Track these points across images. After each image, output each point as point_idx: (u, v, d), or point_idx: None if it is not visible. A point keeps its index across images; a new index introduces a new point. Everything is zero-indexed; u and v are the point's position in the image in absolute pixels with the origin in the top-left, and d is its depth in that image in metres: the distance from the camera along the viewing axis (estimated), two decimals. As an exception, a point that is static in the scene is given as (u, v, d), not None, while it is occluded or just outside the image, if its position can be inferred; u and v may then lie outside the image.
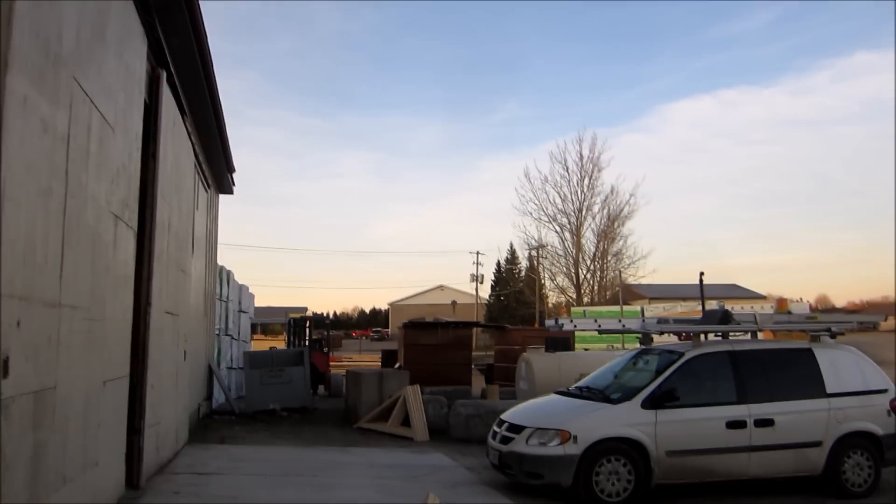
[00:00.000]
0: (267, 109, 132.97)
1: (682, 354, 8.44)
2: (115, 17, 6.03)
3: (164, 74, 8.30)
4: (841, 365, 8.75)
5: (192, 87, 10.20)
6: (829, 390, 8.48)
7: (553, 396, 9.23)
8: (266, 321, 56.61)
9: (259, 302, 31.40)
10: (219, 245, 16.46)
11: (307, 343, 22.21)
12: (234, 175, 15.75)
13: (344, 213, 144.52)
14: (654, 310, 38.34)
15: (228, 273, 17.61)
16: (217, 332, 16.05)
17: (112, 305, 6.12)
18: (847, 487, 8.27)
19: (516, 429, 8.25)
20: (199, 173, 12.81)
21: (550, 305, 55.51)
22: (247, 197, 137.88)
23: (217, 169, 14.65)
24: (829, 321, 9.43)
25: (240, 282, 20.50)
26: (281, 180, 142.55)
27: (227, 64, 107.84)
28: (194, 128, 11.62)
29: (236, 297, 19.44)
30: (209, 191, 14.67)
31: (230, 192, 16.59)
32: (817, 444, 8.28)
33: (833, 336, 9.27)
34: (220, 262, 16.49)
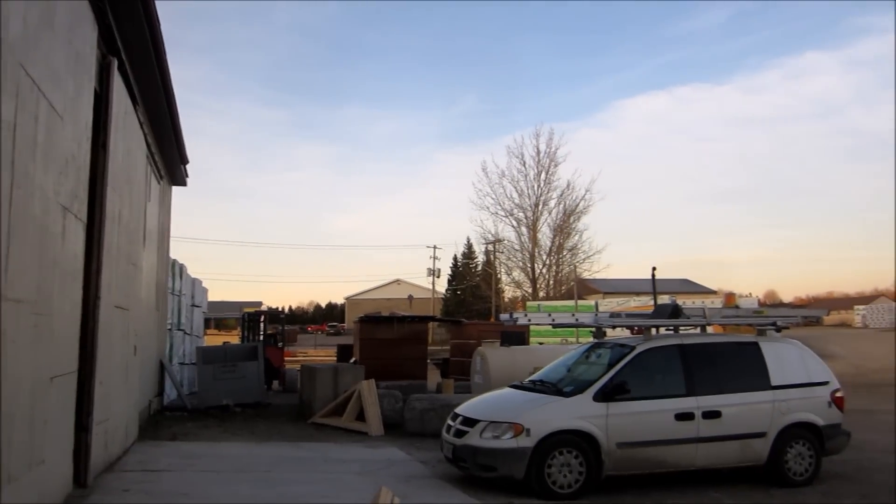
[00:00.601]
0: (223, 100, 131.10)
1: (633, 348, 8.60)
2: (64, 3, 5.88)
3: (116, 62, 8.12)
4: (785, 358, 9.02)
5: (144, 76, 9.99)
6: (773, 383, 8.73)
7: (507, 390, 9.32)
8: (220, 316, 55.93)
9: (213, 296, 30.93)
10: (172, 238, 16.20)
11: (261, 338, 22.00)
12: (188, 167, 15.48)
13: (300, 207, 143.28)
14: (609, 304, 38.95)
15: (181, 267, 17.33)
16: (169, 327, 15.79)
17: (60, 300, 5.99)
18: (789, 476, 8.54)
19: (470, 422, 8.31)
20: (151, 164, 12.57)
21: (506, 300, 55.90)
22: (201, 189, 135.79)
23: (170, 160, 14.39)
24: (775, 316, 9.72)
25: (193, 276, 20.19)
26: (236, 172, 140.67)
27: (182, 52, 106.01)
28: (146, 118, 11.40)
29: (189, 291, 19.14)
30: (162, 182, 14.41)
31: (184, 183, 16.31)
32: (762, 434, 8.52)
33: (778, 330, 9.56)
34: (172, 255, 16.21)
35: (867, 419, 13.94)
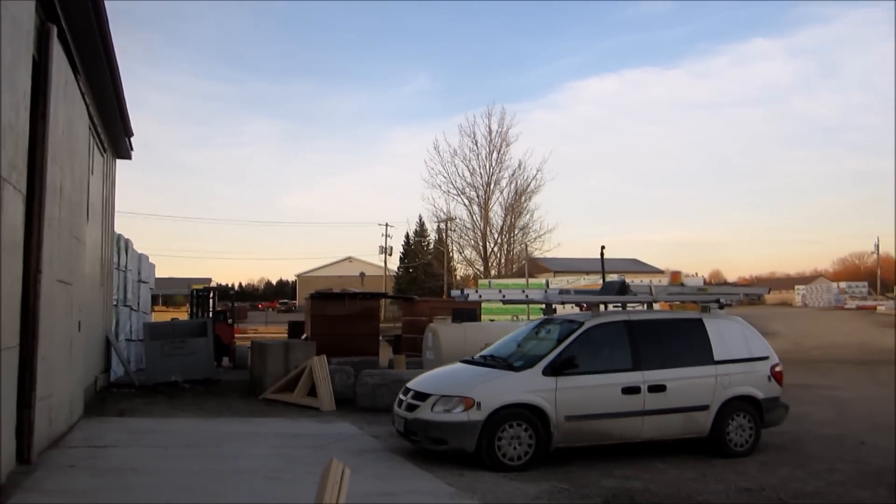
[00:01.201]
0: (169, 73, 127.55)
1: (581, 324, 8.75)
2: (-1, -34, 5.64)
3: (55, 29, 7.84)
4: (728, 334, 9.28)
5: (85, 45, 9.67)
6: (716, 357, 8.99)
7: (458, 365, 9.40)
8: (168, 292, 54.97)
9: (161, 272, 30.34)
10: (117, 213, 15.83)
11: (211, 315, 21.70)
12: (133, 140, 15.10)
13: (249, 183, 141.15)
14: (559, 283, 39.46)
15: (127, 242, 16.95)
16: (115, 303, 15.47)
17: (-1, 272, 5.80)
18: (731, 447, 8.83)
19: (421, 396, 8.37)
20: (94, 136, 12.22)
21: (458, 278, 56.14)
22: (147, 163, 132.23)
23: (114, 132, 14.00)
24: (719, 293, 9.98)
25: (139, 251, 19.77)
26: (183, 147, 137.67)
27: (126, 23, 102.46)
28: (89, 88, 11.05)
29: (135, 266, 18.75)
30: (105, 155, 14.02)
31: (128, 157, 15.92)
32: (705, 407, 8.78)
33: (721, 307, 9.82)
34: (118, 230, 15.84)
35: (805, 393, 14.49)
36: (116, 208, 15.68)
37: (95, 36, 9.44)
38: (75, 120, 9.52)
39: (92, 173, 11.98)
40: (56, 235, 8.06)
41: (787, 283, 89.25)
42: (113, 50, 10.28)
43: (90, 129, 11.52)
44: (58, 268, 8.22)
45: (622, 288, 9.62)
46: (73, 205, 9.34)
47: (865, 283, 73.50)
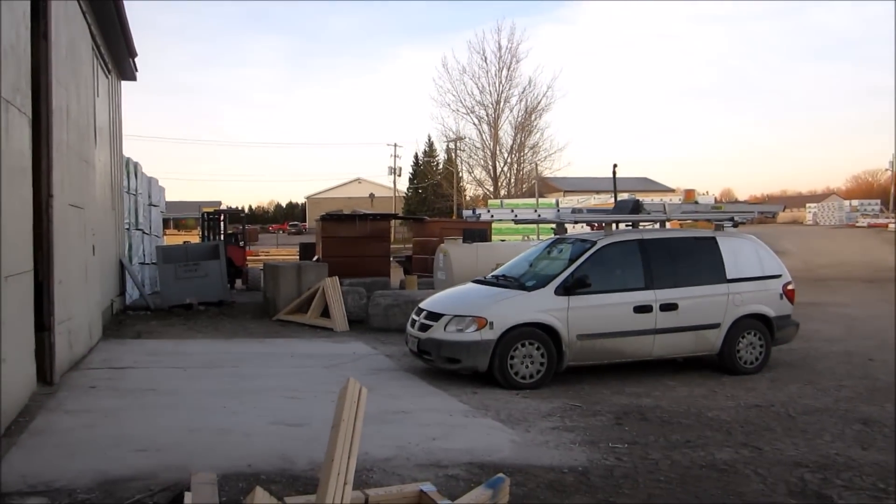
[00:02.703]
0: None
1: (594, 243, 8.70)
2: None
3: (52, -55, 7.56)
4: (741, 252, 9.23)
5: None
6: (728, 276, 8.96)
7: (470, 285, 9.43)
8: (178, 216, 55.13)
9: (171, 196, 30.36)
10: (124, 136, 15.67)
11: (222, 237, 21.78)
12: (137, 60, 14.79)
13: (257, 104, 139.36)
14: (570, 202, 39.28)
15: (136, 165, 16.85)
16: (127, 227, 15.52)
17: (8, 198, 5.77)
18: (741, 365, 8.90)
19: (434, 316, 8.44)
20: (97, 57, 11.98)
21: (468, 198, 55.97)
22: (152, 85, 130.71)
23: (118, 53, 13.71)
24: (733, 211, 9.87)
25: (149, 175, 19.69)
26: (188, 67, 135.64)
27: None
28: (90, 7, 10.75)
29: (146, 190, 18.72)
30: (110, 77, 13.78)
31: (133, 78, 15.62)
32: (716, 325, 8.82)
33: (735, 225, 9.75)
34: (126, 153, 15.73)
35: (815, 311, 14.55)
36: (123, 132, 15.54)
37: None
38: (78, 40, 9.31)
39: (98, 95, 11.80)
40: (65, 159, 8.00)
41: (799, 201, 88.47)
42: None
43: (93, 49, 11.28)
44: (69, 192, 8.19)
45: (636, 207, 9.52)
46: (80, 128, 9.24)
47: (878, 201, 72.84)
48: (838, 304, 16.75)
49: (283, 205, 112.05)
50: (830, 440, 6.08)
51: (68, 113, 8.28)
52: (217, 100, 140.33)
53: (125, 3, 11.58)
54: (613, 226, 9.47)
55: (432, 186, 65.33)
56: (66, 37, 8.33)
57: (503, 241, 24.65)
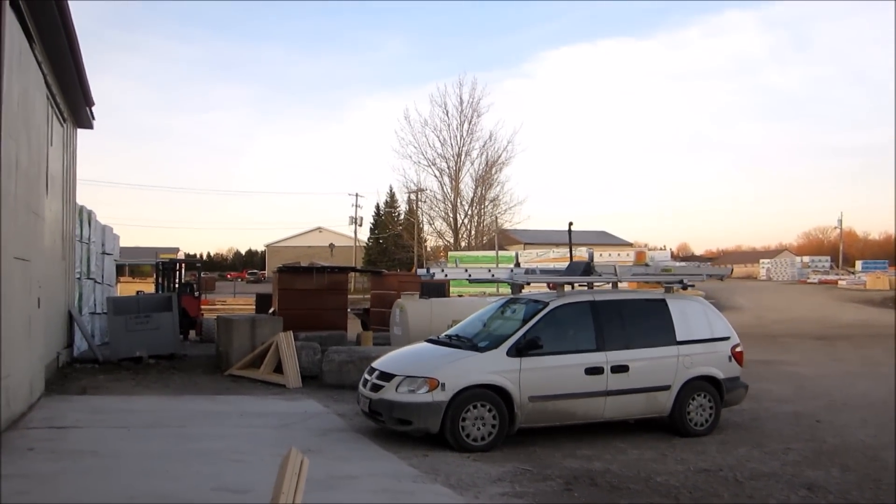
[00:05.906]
0: (134, 34, 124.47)
1: (546, 304, 8.78)
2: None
3: (9, -1, 7.56)
4: (690, 314, 9.39)
5: (41, 10, 9.36)
6: (679, 338, 9.09)
7: (423, 345, 9.40)
8: (135, 262, 54.15)
9: (128, 242, 29.93)
10: (81, 183, 15.48)
11: (177, 286, 21.44)
12: (94, 108, 14.70)
13: (218, 150, 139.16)
14: (529, 255, 39.62)
15: (90, 213, 16.60)
16: (78, 276, 15.20)
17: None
18: (691, 427, 8.98)
19: (386, 377, 8.37)
20: (52, 106, 11.89)
21: (429, 249, 56.11)
22: (115, 130, 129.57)
23: (74, 101, 13.62)
24: (682, 274, 10.07)
25: (104, 222, 19.40)
26: (149, 112, 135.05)
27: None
28: (45, 56, 10.71)
29: (99, 238, 18.40)
30: (65, 125, 13.66)
31: (90, 126, 15.50)
32: (667, 387, 8.91)
33: (684, 287, 9.93)
34: (81, 201, 15.50)
35: (765, 369, 14.78)
36: (79, 178, 15.35)
37: (52, 2, 9.13)
38: (32, 89, 9.24)
39: (51, 144, 11.68)
40: (12, 211, 7.85)
41: (753, 256, 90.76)
42: (70, 16, 9.97)
43: (48, 98, 11.20)
44: (14, 245, 8.02)
45: (587, 268, 9.64)
46: (30, 178, 9.11)
47: (828, 258, 75.03)
48: (788, 362, 17.05)
49: (243, 252, 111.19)
50: (775, 507, 6.14)
51: (17, 164, 8.16)
52: (179, 144, 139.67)
53: (83, 53, 11.56)
54: (567, 286, 9.57)
55: (393, 237, 65.40)
56: (19, 87, 8.26)
57: (461, 296, 24.68)
